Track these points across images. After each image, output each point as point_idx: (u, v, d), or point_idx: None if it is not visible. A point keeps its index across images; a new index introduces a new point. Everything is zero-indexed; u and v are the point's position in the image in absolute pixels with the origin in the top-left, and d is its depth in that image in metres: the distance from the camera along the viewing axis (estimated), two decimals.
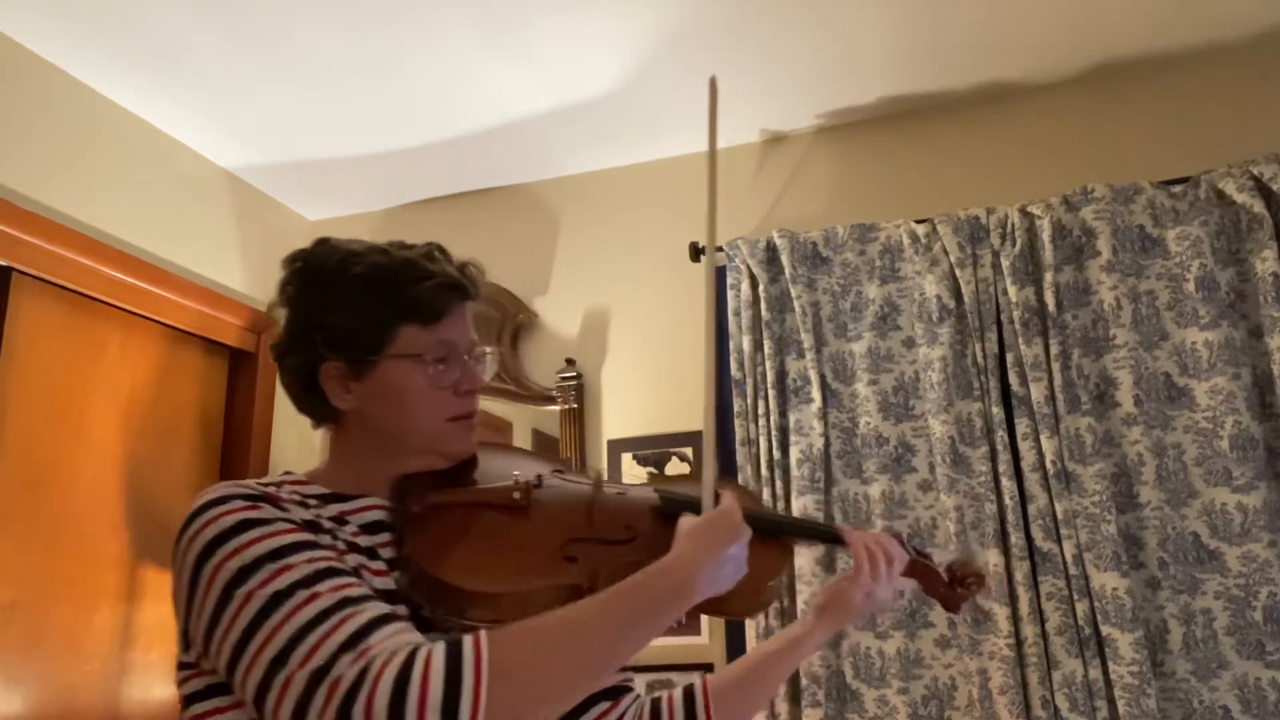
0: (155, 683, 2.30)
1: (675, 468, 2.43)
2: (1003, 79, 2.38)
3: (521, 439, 2.60)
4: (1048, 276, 2.15)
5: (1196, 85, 2.30)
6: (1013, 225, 2.20)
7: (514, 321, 2.64)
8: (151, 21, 2.02)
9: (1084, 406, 2.07)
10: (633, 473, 2.45)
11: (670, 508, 1.05)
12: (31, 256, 2.06)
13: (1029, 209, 2.21)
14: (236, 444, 2.61)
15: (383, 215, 2.94)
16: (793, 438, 2.24)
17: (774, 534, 1.15)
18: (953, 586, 1.26)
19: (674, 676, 2.22)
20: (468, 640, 0.76)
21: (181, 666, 0.87)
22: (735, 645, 2.22)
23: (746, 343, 2.32)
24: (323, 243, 1.04)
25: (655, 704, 1.15)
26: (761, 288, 2.35)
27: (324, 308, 0.99)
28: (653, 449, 2.46)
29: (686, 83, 2.33)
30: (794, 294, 2.31)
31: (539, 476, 1.04)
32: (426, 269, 1.00)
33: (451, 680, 0.72)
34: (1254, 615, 1.92)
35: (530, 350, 2.66)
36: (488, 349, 1.07)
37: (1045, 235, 2.17)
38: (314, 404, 1.01)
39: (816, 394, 2.25)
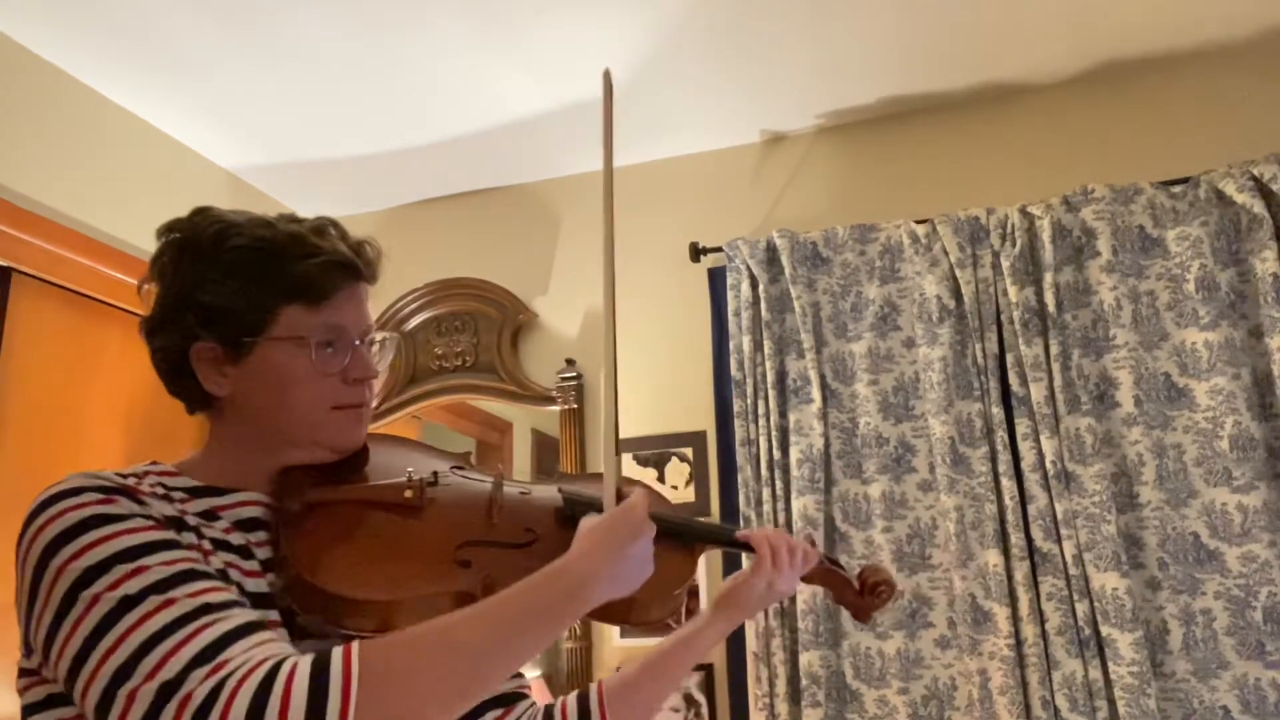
0: None
1: (676, 468, 2.43)
2: (1003, 79, 2.38)
3: (521, 439, 2.61)
4: (1048, 276, 2.15)
5: (1196, 85, 2.30)
6: (1013, 225, 2.20)
7: (514, 321, 2.64)
8: (152, 22, 2.02)
9: (1084, 407, 2.07)
10: (633, 473, 2.45)
11: (573, 509, 0.98)
12: (31, 256, 2.06)
13: (1029, 209, 2.21)
14: None
15: (383, 215, 2.94)
16: (793, 438, 2.24)
17: (679, 536, 1.07)
18: (862, 594, 1.21)
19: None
20: (337, 652, 0.69)
21: (22, 674, 0.79)
22: (734, 644, 2.22)
23: (746, 343, 2.32)
24: (200, 211, 0.95)
25: (549, 710, 1.09)
26: (761, 288, 2.35)
27: (198, 283, 0.89)
28: (653, 449, 2.46)
29: (686, 83, 2.33)
30: (794, 294, 2.31)
31: (435, 473, 0.96)
32: (314, 244, 0.92)
33: (316, 698, 0.66)
34: (1254, 615, 1.92)
35: (530, 350, 2.66)
36: (382, 335, 0.98)
37: (1045, 235, 2.17)
38: (186, 388, 0.92)
39: (816, 394, 2.25)
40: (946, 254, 2.23)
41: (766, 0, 2.03)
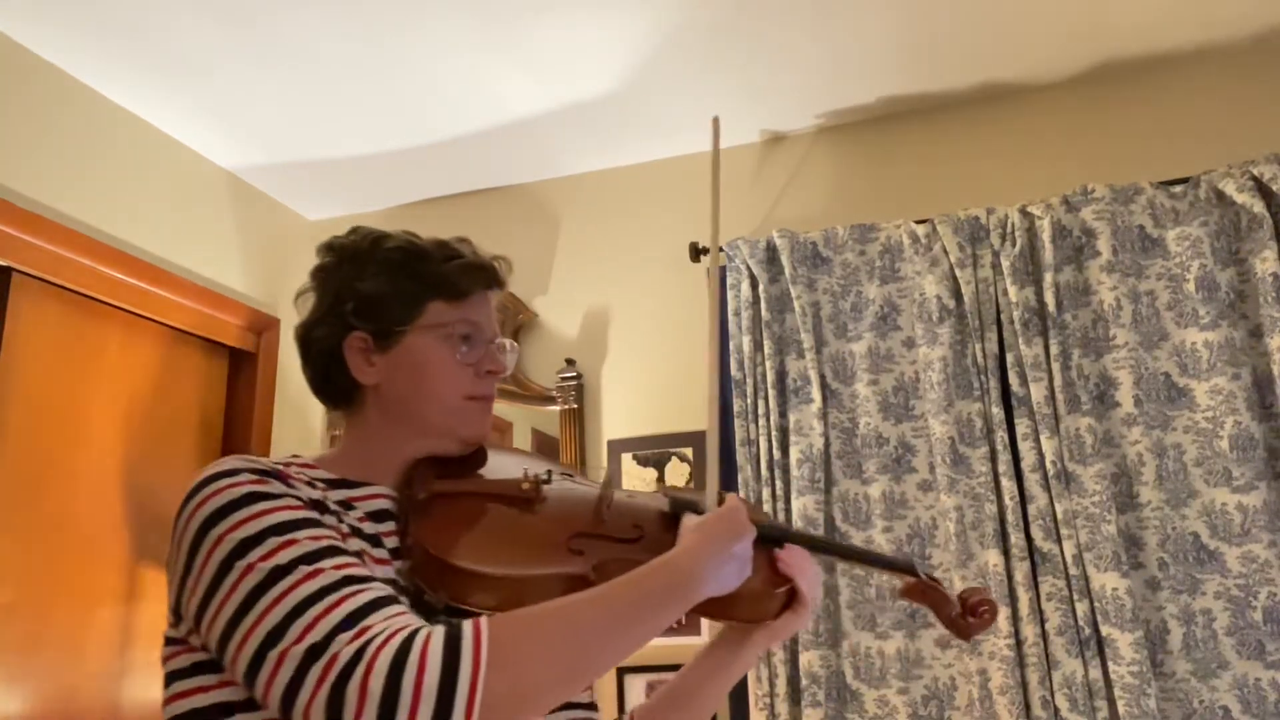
0: (155, 683, 2.30)
1: (675, 468, 2.43)
2: (1003, 79, 2.38)
3: (521, 439, 2.61)
4: (1048, 276, 2.15)
5: (1196, 85, 2.30)
6: (1013, 225, 2.20)
7: (514, 321, 2.64)
8: (152, 22, 2.02)
9: (1084, 406, 2.07)
10: (633, 473, 2.45)
11: (678, 510, 1.03)
12: (31, 256, 2.06)
13: (1029, 209, 2.21)
14: (236, 444, 2.61)
15: (383, 215, 2.94)
16: (793, 438, 2.24)
17: (778, 542, 1.10)
18: (964, 615, 1.24)
19: (673, 677, 2.22)
20: (467, 624, 0.74)
21: (168, 642, 0.86)
22: None
23: (746, 343, 2.32)
24: (355, 229, 1.07)
25: None
26: (761, 288, 2.35)
27: (356, 278, 1.00)
28: (653, 449, 2.46)
29: (686, 83, 2.33)
30: (794, 294, 2.31)
31: (548, 472, 1.03)
32: (456, 249, 1.04)
33: (449, 663, 0.71)
34: (1254, 615, 1.92)
35: (530, 350, 2.66)
36: (508, 341, 1.07)
37: (1045, 235, 2.17)
38: (335, 379, 1.01)
39: (816, 394, 2.25)
40: (946, 254, 2.23)
41: (766, 0, 2.03)
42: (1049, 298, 2.14)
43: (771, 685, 2.11)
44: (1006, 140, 2.42)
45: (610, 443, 2.50)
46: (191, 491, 0.84)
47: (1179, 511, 2.01)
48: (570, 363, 2.56)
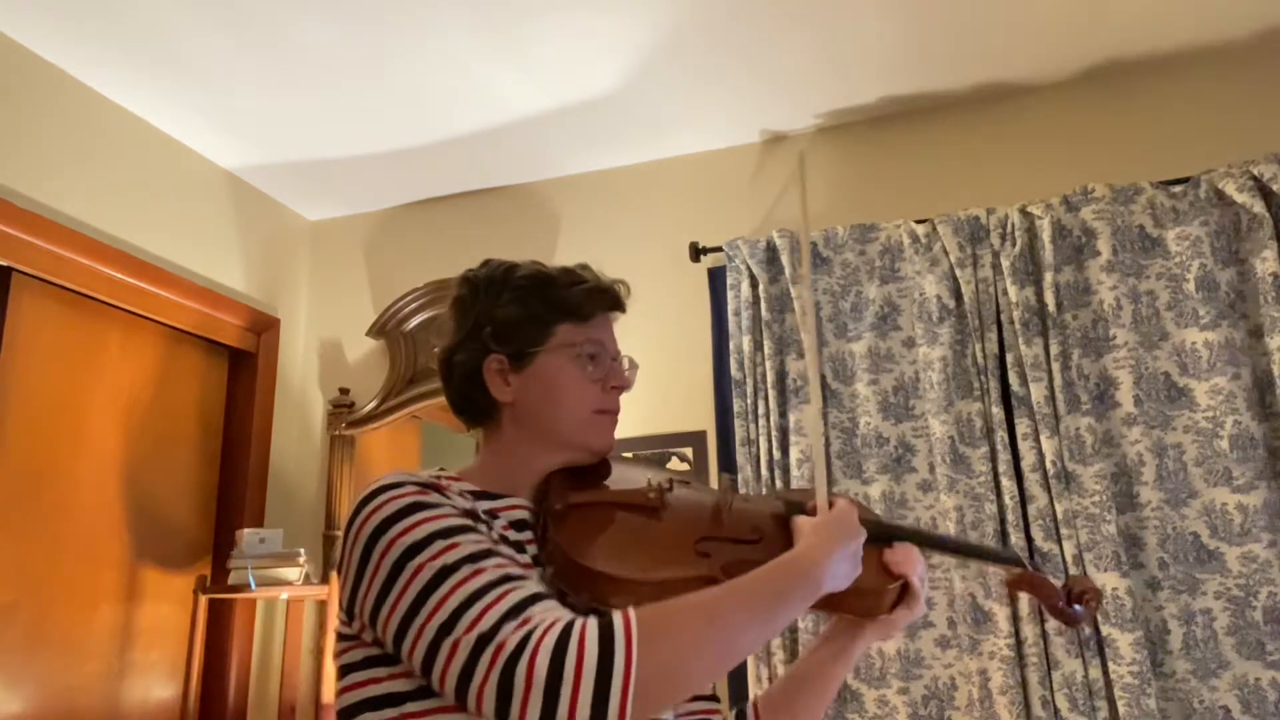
0: (155, 683, 2.30)
1: (675, 468, 2.43)
2: (1003, 79, 2.38)
3: None
4: (1048, 276, 2.15)
5: (1196, 85, 2.30)
6: (1013, 225, 2.20)
7: None
8: (152, 22, 2.02)
9: (1084, 406, 2.07)
10: None
11: (792, 512, 1.11)
12: (31, 256, 2.06)
13: (1029, 209, 2.21)
14: (236, 444, 2.61)
15: (383, 215, 2.94)
16: (793, 438, 2.24)
17: (888, 541, 1.19)
18: (1070, 603, 1.28)
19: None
20: (618, 615, 0.82)
21: (341, 638, 0.93)
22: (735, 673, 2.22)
23: (746, 343, 2.32)
24: (487, 262, 1.15)
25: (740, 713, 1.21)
26: (761, 288, 2.35)
27: (492, 305, 1.08)
28: (653, 449, 2.46)
29: (686, 83, 2.33)
30: (794, 294, 2.31)
31: (670, 481, 1.10)
32: (580, 275, 1.12)
33: (605, 649, 0.78)
34: (1254, 615, 1.92)
35: None
36: (630, 358, 1.16)
37: (1045, 235, 2.17)
38: (475, 399, 1.09)
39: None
40: (946, 254, 2.23)
41: (766, 1, 2.03)
42: (1049, 298, 2.14)
43: (772, 685, 2.11)
44: (1006, 140, 2.42)
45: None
46: (361, 503, 0.92)
47: (1179, 511, 2.01)
48: None
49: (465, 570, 0.84)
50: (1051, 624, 1.98)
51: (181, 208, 2.50)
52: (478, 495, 1.02)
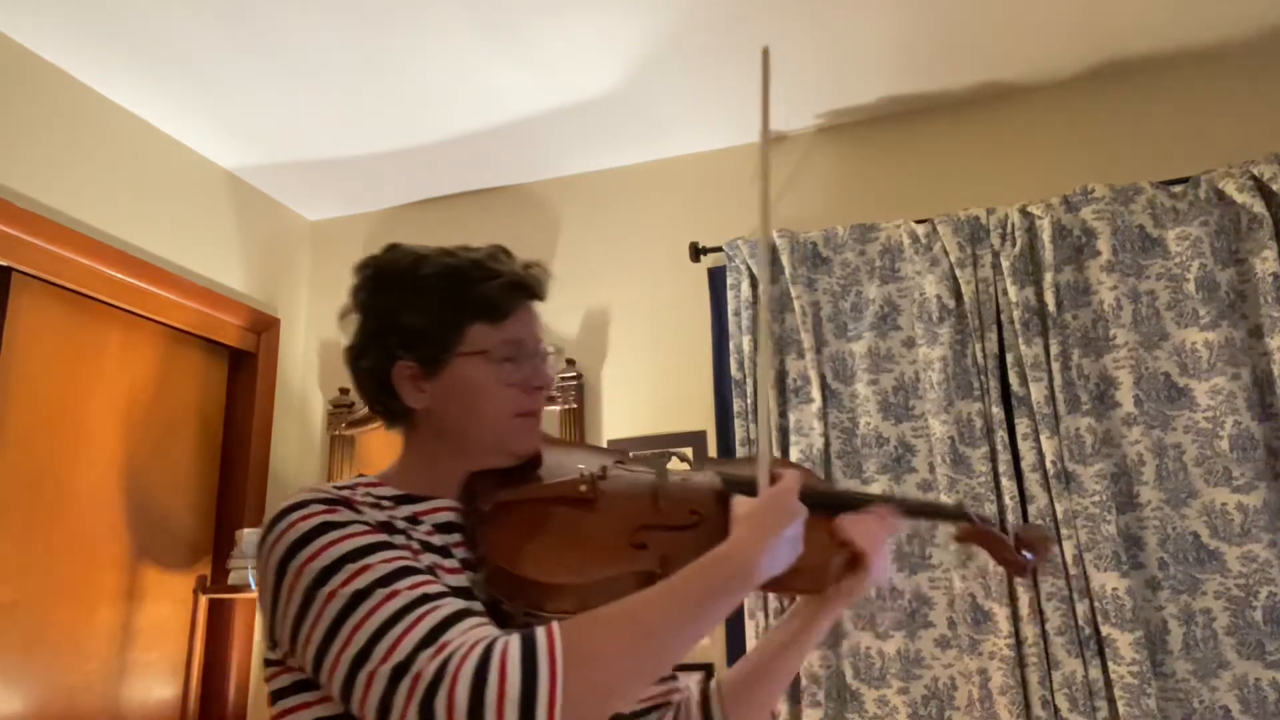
0: (155, 683, 2.30)
1: (675, 468, 2.42)
2: (1003, 79, 2.38)
3: None
4: (1048, 276, 2.15)
5: (1196, 85, 2.30)
6: (1013, 225, 2.20)
7: None
8: (152, 22, 2.02)
9: (1084, 406, 2.07)
10: None
11: (731, 489, 1.06)
12: (31, 256, 2.06)
13: (1029, 209, 2.21)
14: (236, 444, 2.61)
15: (383, 215, 2.94)
16: (793, 438, 2.24)
17: (831, 509, 1.13)
18: (1019, 551, 1.25)
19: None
20: (541, 632, 0.78)
21: (268, 664, 0.91)
22: (735, 647, 2.22)
23: (746, 343, 2.32)
24: (392, 248, 1.07)
25: (704, 691, 1.18)
26: (761, 288, 2.34)
27: (397, 309, 1.01)
28: (653, 449, 2.46)
29: (686, 83, 2.33)
30: (794, 294, 2.31)
31: (603, 468, 1.06)
32: (493, 268, 1.03)
33: (528, 672, 0.75)
34: (1254, 615, 1.92)
35: None
36: (551, 348, 1.09)
37: (1045, 235, 2.17)
38: (387, 405, 1.04)
39: (816, 394, 2.25)
40: (946, 254, 2.23)
41: (766, 1, 2.03)
42: (1049, 298, 2.14)
43: (733, 666, 2.11)
44: (1006, 140, 2.42)
45: (610, 443, 2.50)
46: (268, 527, 0.89)
47: (1179, 511, 2.01)
48: (570, 363, 2.56)
49: (378, 595, 0.80)
50: (1051, 624, 1.98)
51: (181, 208, 2.50)
52: (400, 499, 0.98)
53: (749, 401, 2.30)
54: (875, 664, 2.10)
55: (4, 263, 2.02)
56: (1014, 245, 2.18)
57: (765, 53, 1.19)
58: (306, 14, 2.02)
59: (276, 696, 0.89)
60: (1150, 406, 2.07)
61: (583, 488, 1.00)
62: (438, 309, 1.00)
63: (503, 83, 2.31)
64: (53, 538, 2.08)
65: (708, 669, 2.25)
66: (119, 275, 2.26)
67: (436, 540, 0.94)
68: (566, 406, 2.52)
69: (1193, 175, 2.16)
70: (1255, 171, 2.07)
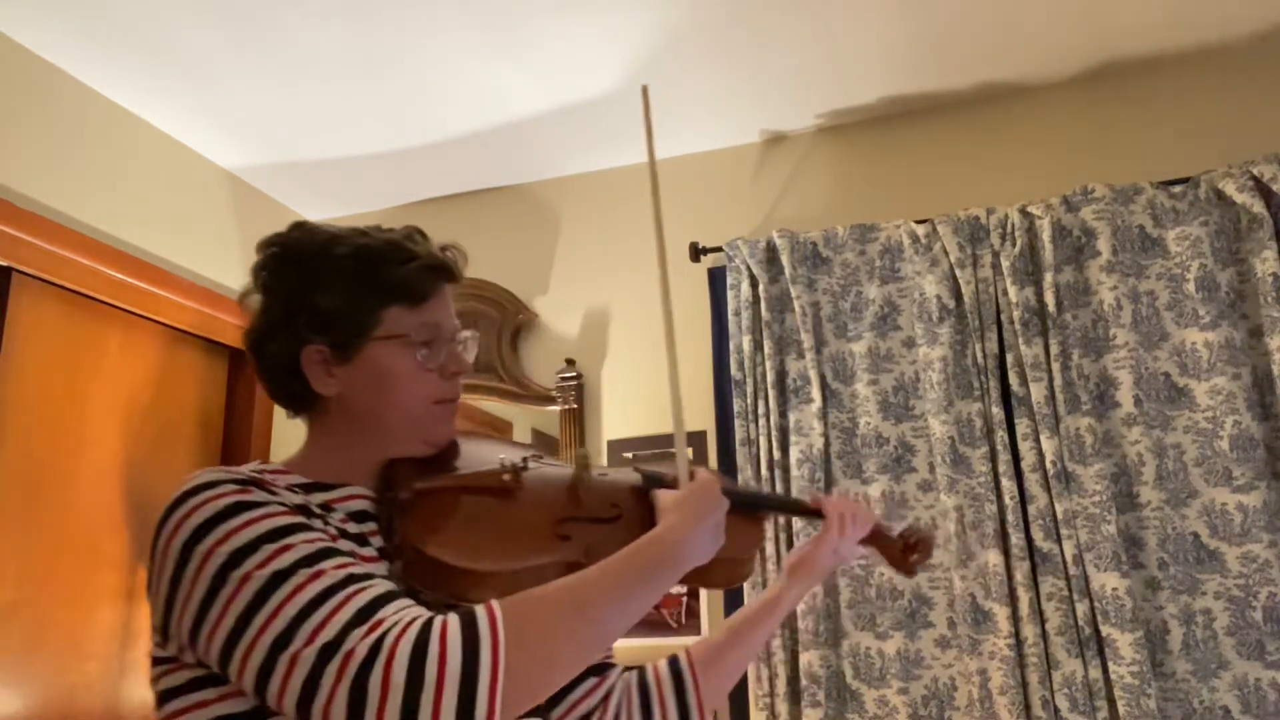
0: None
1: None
2: (1003, 79, 2.38)
3: (521, 439, 2.61)
4: (1048, 276, 2.15)
5: (1196, 85, 2.30)
6: (1013, 225, 2.20)
7: (514, 321, 2.64)
8: (152, 21, 2.02)
9: (1084, 406, 2.07)
10: None
11: (651, 485, 1.07)
12: (31, 256, 2.06)
13: (1029, 209, 2.21)
14: (236, 444, 2.61)
15: (382, 215, 2.94)
16: (793, 438, 2.24)
17: (749, 507, 1.18)
18: (905, 552, 1.32)
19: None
20: (480, 609, 0.75)
21: (157, 662, 0.83)
22: None
23: (746, 343, 2.32)
24: (300, 226, 1.01)
25: (642, 676, 1.17)
26: (761, 288, 2.35)
27: (307, 290, 0.95)
28: (653, 449, 2.46)
29: (686, 83, 2.33)
30: (794, 294, 2.31)
31: (524, 459, 1.03)
32: (410, 250, 0.98)
33: (469, 648, 0.71)
34: (1254, 615, 1.92)
35: (530, 350, 2.66)
36: (468, 332, 1.04)
37: (1045, 235, 2.17)
38: (294, 391, 0.98)
39: (816, 394, 2.25)
40: (946, 254, 2.23)
41: (767, 0, 2.03)
42: (1049, 298, 2.14)
43: (771, 685, 2.11)
44: (1006, 140, 2.42)
45: (610, 443, 2.50)
46: (171, 507, 0.82)
47: (1179, 511, 2.01)
48: (570, 363, 2.56)
49: (301, 575, 0.75)
50: (1051, 624, 1.98)
51: (181, 208, 2.50)
52: (308, 488, 0.92)
53: (749, 401, 2.30)
54: (875, 664, 2.10)
55: (4, 263, 2.02)
56: (1014, 245, 2.18)
57: (645, 91, 1.23)
58: (306, 14, 2.02)
59: (166, 698, 0.82)
60: (1150, 406, 2.07)
61: (506, 477, 0.97)
62: (353, 291, 0.95)
63: (503, 83, 2.31)
64: (53, 538, 2.08)
65: None
66: (119, 275, 2.26)
67: (351, 528, 0.90)
68: (566, 406, 2.52)
69: (1193, 175, 2.16)
70: (1255, 171, 2.07)
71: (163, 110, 2.37)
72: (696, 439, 2.43)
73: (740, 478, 2.25)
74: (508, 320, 2.65)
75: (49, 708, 2.02)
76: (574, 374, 2.54)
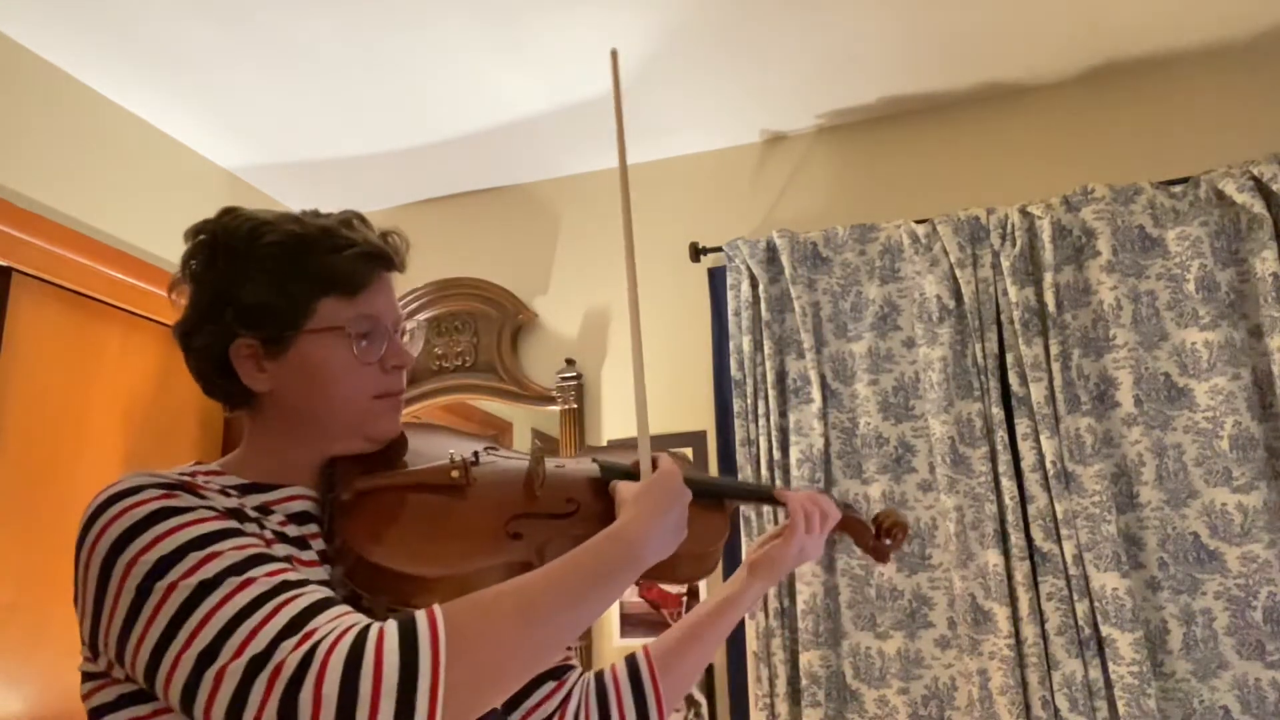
0: None
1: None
2: (1003, 79, 2.38)
3: (521, 439, 2.60)
4: (1048, 276, 2.15)
5: (1196, 85, 2.30)
6: (1013, 225, 2.20)
7: (514, 321, 2.64)
8: (152, 22, 2.02)
9: (1084, 406, 2.07)
10: None
11: (610, 476, 1.02)
12: (31, 256, 2.06)
13: (1029, 209, 2.21)
14: (236, 444, 2.60)
15: (383, 215, 2.94)
16: (793, 438, 2.24)
17: (714, 496, 1.13)
18: (880, 538, 1.28)
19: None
20: (421, 615, 0.70)
21: (87, 677, 0.79)
22: (734, 644, 2.22)
23: (746, 343, 2.32)
24: (229, 211, 0.96)
25: (600, 678, 1.14)
26: (761, 288, 2.35)
27: (235, 281, 0.90)
28: (652, 449, 2.45)
29: (686, 83, 2.33)
30: (794, 294, 2.31)
31: (475, 454, 0.99)
32: (346, 237, 0.93)
33: (408, 657, 0.67)
34: (1254, 615, 1.92)
35: (530, 350, 2.66)
36: (412, 323, 1.00)
37: (1045, 235, 2.17)
38: (225, 387, 0.93)
39: (816, 394, 2.25)
40: (946, 254, 2.23)
41: (767, 0, 2.03)
42: (1049, 298, 2.14)
43: (771, 685, 2.11)
44: (1006, 140, 2.42)
45: (610, 443, 2.50)
46: (92, 516, 0.77)
47: (1179, 511, 2.01)
48: (570, 363, 2.56)
49: (229, 584, 0.70)
50: (1051, 624, 1.98)
51: (181, 208, 2.50)
52: (245, 489, 0.87)
53: (749, 401, 2.30)
54: (875, 664, 2.10)
55: (4, 263, 2.02)
56: (1014, 245, 2.18)
57: (614, 54, 1.16)
58: (307, 14, 2.02)
59: (97, 715, 0.78)
60: (1150, 406, 2.07)
61: (454, 474, 0.92)
62: (281, 281, 0.89)
63: (503, 83, 2.31)
64: (53, 538, 2.08)
65: (706, 668, 2.25)
66: (119, 275, 2.26)
67: (291, 531, 0.86)
68: (566, 406, 2.52)
69: (1193, 175, 2.16)
70: (1255, 172, 2.07)
71: (163, 110, 2.37)
72: (697, 439, 2.43)
73: (740, 478, 2.25)
74: (508, 320, 2.65)
75: (49, 708, 2.02)
76: (574, 374, 2.54)
